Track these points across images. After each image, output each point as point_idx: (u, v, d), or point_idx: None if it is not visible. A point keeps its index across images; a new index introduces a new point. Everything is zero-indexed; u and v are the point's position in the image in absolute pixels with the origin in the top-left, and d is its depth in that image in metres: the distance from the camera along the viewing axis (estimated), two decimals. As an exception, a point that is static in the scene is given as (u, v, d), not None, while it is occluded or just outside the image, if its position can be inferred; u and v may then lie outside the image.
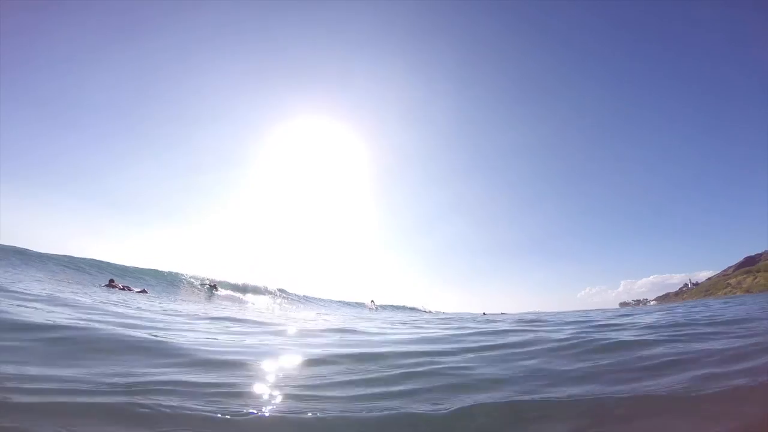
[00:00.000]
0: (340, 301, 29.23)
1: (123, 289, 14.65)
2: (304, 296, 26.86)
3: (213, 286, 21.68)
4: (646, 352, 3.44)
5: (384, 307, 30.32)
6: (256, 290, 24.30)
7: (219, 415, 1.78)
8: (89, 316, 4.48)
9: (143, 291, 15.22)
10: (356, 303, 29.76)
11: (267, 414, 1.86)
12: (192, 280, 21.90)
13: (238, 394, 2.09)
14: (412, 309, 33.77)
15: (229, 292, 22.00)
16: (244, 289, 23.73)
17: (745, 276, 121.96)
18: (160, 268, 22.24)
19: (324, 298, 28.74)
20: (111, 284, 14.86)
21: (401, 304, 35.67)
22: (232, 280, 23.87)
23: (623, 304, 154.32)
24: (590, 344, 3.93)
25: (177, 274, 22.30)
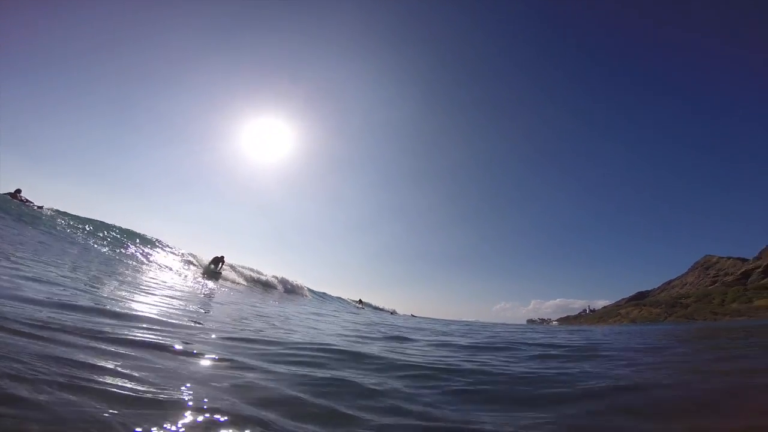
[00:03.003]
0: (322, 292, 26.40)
1: (25, 201, 14.78)
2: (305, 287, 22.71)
3: (220, 259, 16.78)
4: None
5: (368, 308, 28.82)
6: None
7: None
8: None
9: (41, 207, 14.89)
10: (335, 297, 27.35)
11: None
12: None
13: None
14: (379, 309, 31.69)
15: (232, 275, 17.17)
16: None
17: (633, 308, 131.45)
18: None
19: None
20: (14, 196, 14.56)
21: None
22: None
23: (530, 321, 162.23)
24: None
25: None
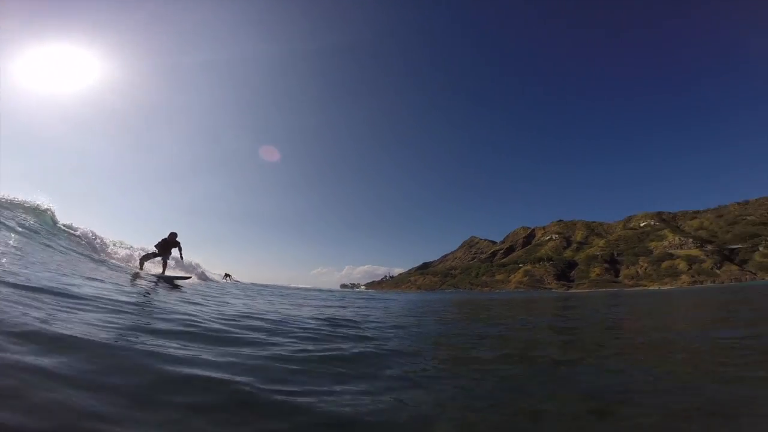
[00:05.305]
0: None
1: None
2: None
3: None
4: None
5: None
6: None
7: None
8: None
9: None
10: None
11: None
12: None
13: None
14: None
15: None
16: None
17: (419, 276, 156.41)
18: None
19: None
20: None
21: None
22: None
23: (343, 286, 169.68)
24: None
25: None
